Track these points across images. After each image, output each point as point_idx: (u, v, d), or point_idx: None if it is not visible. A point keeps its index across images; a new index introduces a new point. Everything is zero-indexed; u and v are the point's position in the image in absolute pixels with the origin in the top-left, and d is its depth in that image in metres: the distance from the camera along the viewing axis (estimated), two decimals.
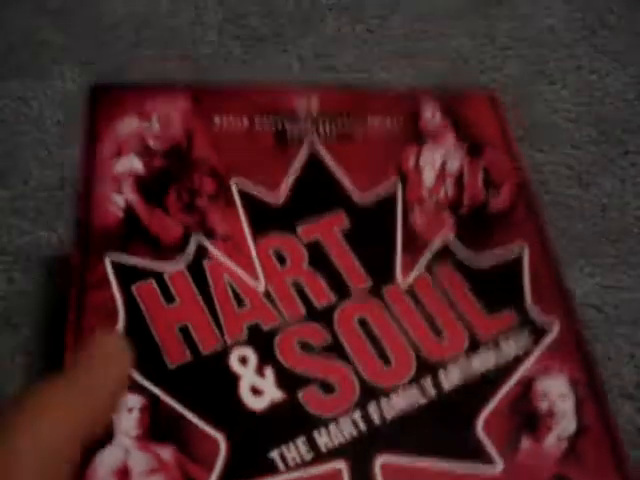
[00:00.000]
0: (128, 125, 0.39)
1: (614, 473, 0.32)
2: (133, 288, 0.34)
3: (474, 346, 0.35)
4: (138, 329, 0.33)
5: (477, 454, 0.31)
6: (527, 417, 0.33)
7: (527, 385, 0.34)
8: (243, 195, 0.38)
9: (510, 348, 0.35)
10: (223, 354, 0.33)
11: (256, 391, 0.32)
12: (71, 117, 0.66)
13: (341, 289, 0.35)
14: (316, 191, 0.39)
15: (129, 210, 0.36)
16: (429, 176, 0.40)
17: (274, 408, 0.31)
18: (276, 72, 0.70)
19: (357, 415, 0.32)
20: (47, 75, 0.70)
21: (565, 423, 0.33)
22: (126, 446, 0.29)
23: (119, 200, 0.36)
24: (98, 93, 0.40)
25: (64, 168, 0.62)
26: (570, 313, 0.36)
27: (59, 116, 0.66)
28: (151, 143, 0.38)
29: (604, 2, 0.76)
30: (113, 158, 0.37)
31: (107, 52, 0.72)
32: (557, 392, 0.34)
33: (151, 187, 0.37)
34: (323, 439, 0.31)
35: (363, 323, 0.34)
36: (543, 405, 0.33)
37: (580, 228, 0.56)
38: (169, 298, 0.34)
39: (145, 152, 0.38)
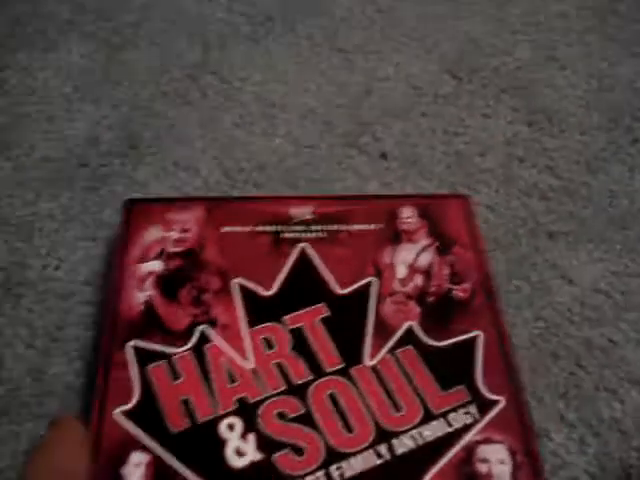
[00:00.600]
0: (153, 234, 0.48)
1: None
2: (149, 368, 0.42)
3: (427, 418, 0.40)
4: (149, 401, 0.41)
5: None
6: (468, 478, 0.38)
7: (470, 450, 0.39)
8: (242, 290, 0.46)
9: (458, 420, 0.40)
10: (215, 422, 0.40)
11: (239, 452, 0.39)
12: (78, 89, 0.66)
13: (317, 369, 0.42)
14: (303, 287, 0.46)
15: (148, 304, 0.45)
16: (401, 271, 0.47)
17: (253, 467, 0.38)
18: (284, 52, 0.69)
19: (320, 474, 0.38)
20: (53, 47, 0.70)
21: None
22: None
23: (141, 296, 0.45)
24: (131, 205, 0.50)
25: (69, 140, 0.61)
26: (516, 392, 0.42)
27: (65, 88, 0.65)
28: (170, 249, 0.48)
29: None
30: (139, 263, 0.47)
31: (114, 26, 0.72)
32: (496, 458, 0.39)
33: (168, 283, 0.46)
34: None
35: (332, 397, 0.41)
36: (483, 469, 0.38)
37: (588, 213, 0.55)
38: (176, 376, 0.42)
39: (165, 256, 0.47)
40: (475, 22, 0.72)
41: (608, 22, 0.73)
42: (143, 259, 0.47)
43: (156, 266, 0.47)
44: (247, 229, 0.49)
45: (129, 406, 0.40)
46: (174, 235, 0.48)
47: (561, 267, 0.52)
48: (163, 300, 0.45)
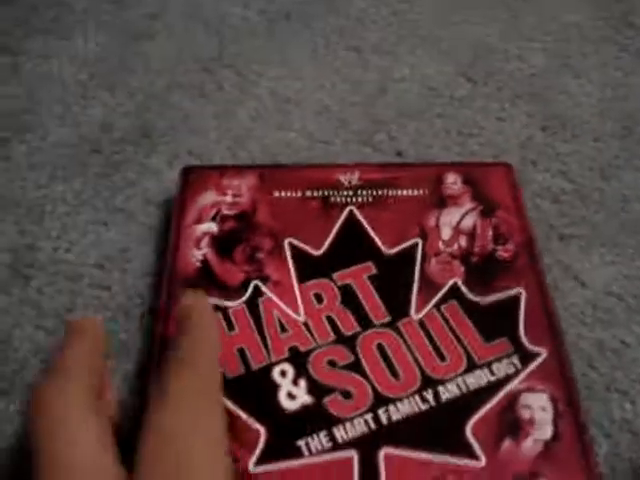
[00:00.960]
0: (208, 198, 0.51)
1: (582, 473, 0.38)
2: None
3: (471, 367, 0.42)
4: None
5: (464, 451, 0.38)
6: (510, 424, 0.39)
7: (513, 398, 0.40)
8: (293, 249, 0.48)
9: (501, 369, 0.42)
10: (268, 369, 0.42)
11: (291, 396, 0.41)
12: (93, 77, 0.66)
13: (365, 322, 0.44)
14: (351, 246, 0.48)
15: (204, 262, 0.47)
16: (446, 233, 0.49)
17: (304, 409, 0.40)
18: (300, 50, 0.69)
19: (369, 416, 0.40)
20: (69, 35, 0.70)
21: (543, 430, 0.39)
22: None
23: (198, 254, 0.47)
24: (187, 172, 0.53)
25: (83, 126, 0.61)
26: (558, 345, 0.43)
27: (81, 75, 0.66)
28: (225, 211, 0.50)
29: (629, 2, 0.76)
30: (195, 224, 0.49)
31: (130, 16, 0.72)
32: (538, 405, 0.40)
33: (223, 243, 0.48)
34: (340, 433, 0.39)
35: (380, 347, 0.43)
36: (525, 414, 0.40)
37: (601, 218, 0.55)
38: (231, 327, 0.44)
39: (220, 218, 0.49)
40: (489, 28, 0.72)
41: (622, 33, 0.73)
42: (198, 221, 0.49)
43: (211, 227, 0.49)
44: (297, 194, 0.51)
45: None
46: (228, 199, 0.51)
47: (574, 270, 0.52)
48: (218, 258, 0.47)
